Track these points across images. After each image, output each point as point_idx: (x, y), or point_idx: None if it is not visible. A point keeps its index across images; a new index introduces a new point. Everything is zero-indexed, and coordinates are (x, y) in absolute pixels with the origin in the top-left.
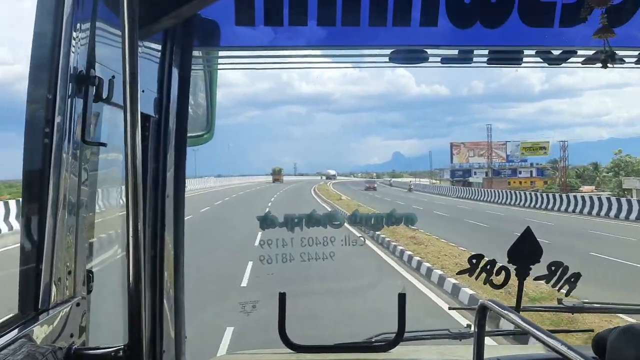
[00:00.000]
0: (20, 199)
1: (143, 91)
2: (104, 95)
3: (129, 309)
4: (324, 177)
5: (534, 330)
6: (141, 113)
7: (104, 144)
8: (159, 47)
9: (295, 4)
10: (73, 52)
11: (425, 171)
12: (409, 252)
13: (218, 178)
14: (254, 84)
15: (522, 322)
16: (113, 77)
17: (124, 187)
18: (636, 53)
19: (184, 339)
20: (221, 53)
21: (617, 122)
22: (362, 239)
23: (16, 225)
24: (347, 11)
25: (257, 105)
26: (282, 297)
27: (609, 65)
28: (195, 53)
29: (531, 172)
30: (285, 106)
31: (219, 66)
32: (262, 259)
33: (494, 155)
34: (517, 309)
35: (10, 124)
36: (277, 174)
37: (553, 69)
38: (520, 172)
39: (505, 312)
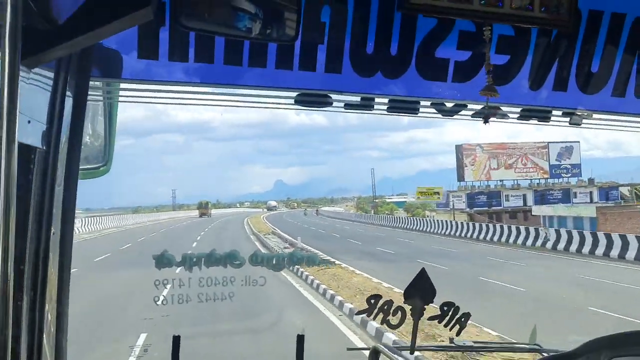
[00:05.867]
0: None
1: (29, 122)
2: None
3: None
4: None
5: None
6: (27, 145)
7: None
8: (51, 75)
9: (203, 42)
10: None
11: (319, 198)
12: None
13: (86, 217)
14: (126, 111)
15: None
16: None
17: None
18: (516, 110)
19: None
20: (123, 85)
21: None
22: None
23: None
24: (255, 54)
25: (129, 134)
26: (176, 341)
27: (488, 121)
28: (96, 83)
29: (590, 193)
30: (161, 134)
31: (120, 98)
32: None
33: (529, 167)
34: (412, 348)
35: None
36: (203, 208)
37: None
38: (575, 195)
39: (396, 356)
